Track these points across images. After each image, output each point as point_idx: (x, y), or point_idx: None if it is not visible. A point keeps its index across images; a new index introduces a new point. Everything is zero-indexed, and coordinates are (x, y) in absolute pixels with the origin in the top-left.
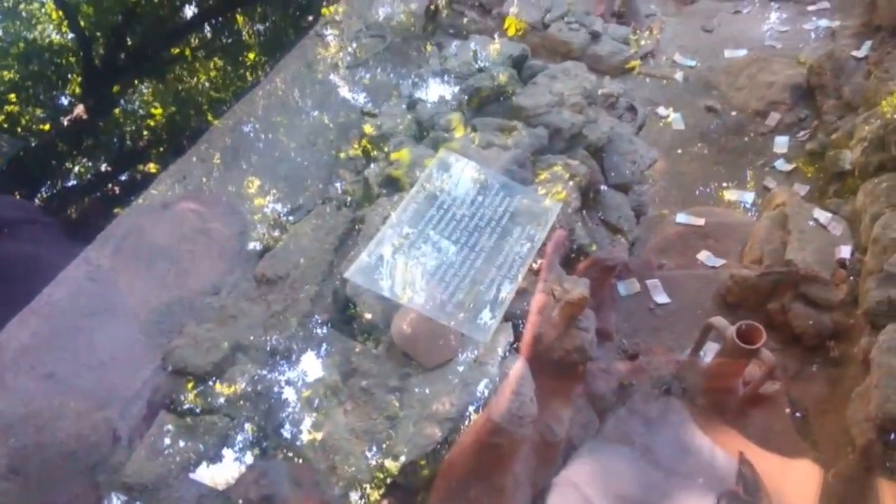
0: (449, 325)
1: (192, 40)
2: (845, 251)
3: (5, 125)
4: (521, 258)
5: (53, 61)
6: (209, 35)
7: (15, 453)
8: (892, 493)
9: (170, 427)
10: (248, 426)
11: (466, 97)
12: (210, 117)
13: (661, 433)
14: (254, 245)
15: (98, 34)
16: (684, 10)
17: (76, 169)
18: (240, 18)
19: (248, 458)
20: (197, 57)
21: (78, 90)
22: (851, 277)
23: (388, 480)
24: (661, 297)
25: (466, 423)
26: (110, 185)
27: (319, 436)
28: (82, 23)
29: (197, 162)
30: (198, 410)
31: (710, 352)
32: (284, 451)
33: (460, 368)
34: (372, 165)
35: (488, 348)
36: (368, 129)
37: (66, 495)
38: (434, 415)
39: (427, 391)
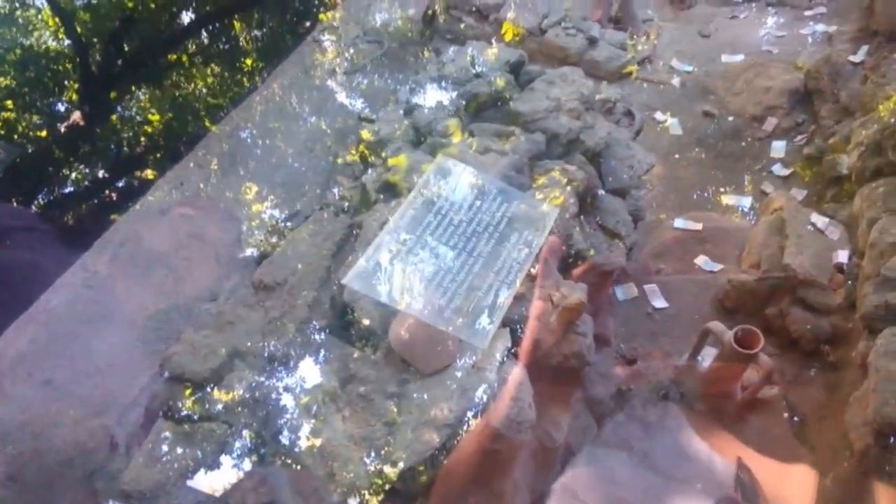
0: (447, 331)
1: (190, 46)
2: (843, 256)
3: (2, 132)
4: (518, 264)
5: (50, 68)
6: (206, 41)
7: (12, 461)
8: (889, 498)
9: (168, 434)
10: (246, 433)
11: (464, 103)
12: (207, 123)
13: (660, 438)
14: (251, 251)
15: (95, 40)
16: (681, 15)
17: (73, 175)
18: (237, 24)
19: (247, 465)
20: (194, 63)
21: (75, 97)
22: (849, 282)
23: (387, 487)
24: (659, 302)
25: (465, 429)
26: (107, 192)
27: (318, 442)
28: (79, 29)
29: (194, 168)
30: (196, 417)
31: (708, 357)
32: (283, 457)
33: (458, 374)
34: (370, 171)
35: (486, 354)
36: (366, 134)
37: (64, 503)
38: (432, 421)
39: (425, 397)
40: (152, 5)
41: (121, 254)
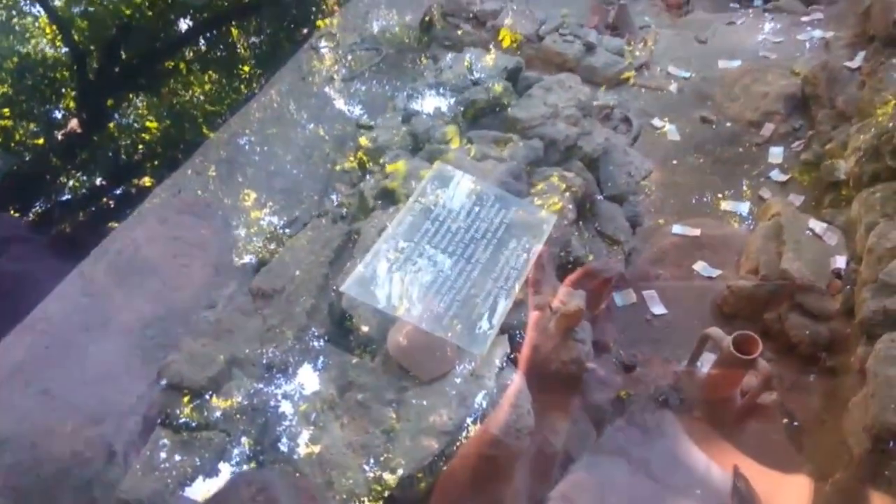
0: (445, 338)
1: (187, 53)
2: (840, 261)
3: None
4: (517, 270)
5: (47, 76)
6: (204, 48)
7: (10, 470)
8: None
9: (166, 442)
10: (244, 440)
11: (461, 109)
12: (205, 130)
13: (658, 446)
14: (249, 258)
15: (92, 48)
16: (678, 21)
17: (71, 183)
18: (234, 31)
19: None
20: (192, 70)
21: (72, 104)
22: (847, 287)
23: (386, 494)
24: (658, 308)
25: (464, 436)
26: (105, 200)
27: (316, 450)
28: (76, 37)
29: (192, 175)
30: (194, 425)
31: (707, 362)
32: (281, 465)
33: (457, 381)
34: (368, 178)
35: (485, 361)
36: (364, 141)
37: None
38: (431, 428)
39: (424, 404)
40: (149, 13)
41: (118, 262)
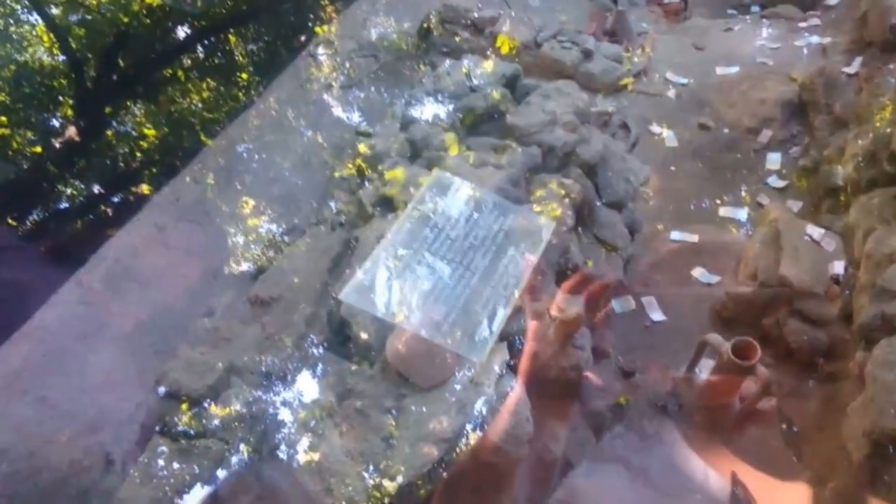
0: (444, 345)
1: (185, 61)
2: (838, 267)
3: None
4: (516, 277)
5: (45, 84)
6: (202, 56)
7: (8, 479)
8: None
9: (164, 450)
10: (243, 448)
11: (460, 116)
12: (203, 138)
13: (656, 453)
14: (248, 266)
15: (90, 56)
16: (676, 27)
17: (68, 191)
18: (232, 39)
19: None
20: (190, 77)
21: (70, 112)
22: (846, 292)
23: (386, 501)
24: (657, 315)
25: (463, 443)
26: (103, 208)
27: (315, 458)
28: (74, 45)
29: (190, 183)
30: (192, 434)
31: (705, 368)
32: (280, 473)
33: (456, 388)
34: (366, 185)
35: (484, 368)
36: (362, 148)
37: None
38: (430, 435)
39: (423, 411)
40: (147, 20)
41: (116, 270)
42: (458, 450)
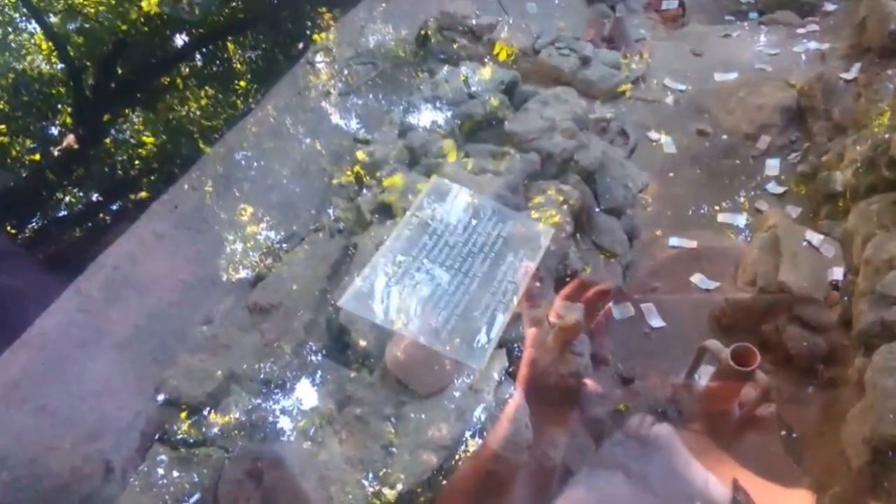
0: (444, 352)
1: (183, 69)
2: (838, 273)
3: None
4: (515, 284)
5: (43, 91)
6: (200, 63)
7: (8, 487)
8: None
9: (163, 458)
10: None
11: (458, 123)
12: (202, 145)
13: (656, 459)
14: (246, 273)
15: (88, 64)
16: (674, 34)
17: (67, 199)
18: (230, 46)
19: None
20: (188, 85)
21: (68, 120)
22: (845, 298)
23: None
24: (656, 321)
25: (463, 450)
26: (101, 215)
27: (315, 465)
28: (72, 52)
29: (189, 190)
30: (192, 441)
31: (705, 375)
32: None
33: (456, 395)
34: (365, 192)
35: (483, 375)
36: (361, 155)
37: None
38: (430, 442)
39: (423, 418)
40: (145, 28)
41: (115, 277)
42: (457, 457)
